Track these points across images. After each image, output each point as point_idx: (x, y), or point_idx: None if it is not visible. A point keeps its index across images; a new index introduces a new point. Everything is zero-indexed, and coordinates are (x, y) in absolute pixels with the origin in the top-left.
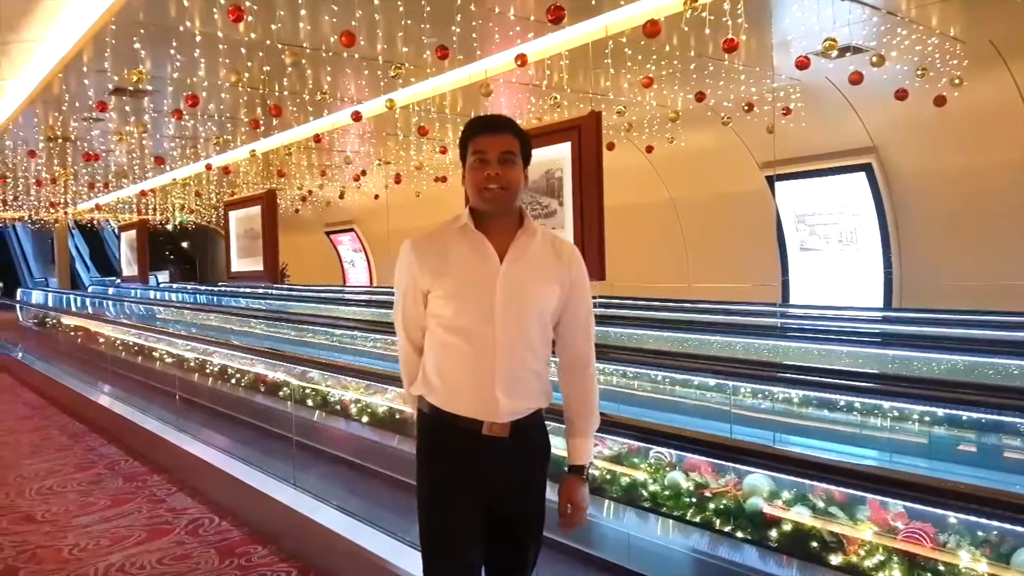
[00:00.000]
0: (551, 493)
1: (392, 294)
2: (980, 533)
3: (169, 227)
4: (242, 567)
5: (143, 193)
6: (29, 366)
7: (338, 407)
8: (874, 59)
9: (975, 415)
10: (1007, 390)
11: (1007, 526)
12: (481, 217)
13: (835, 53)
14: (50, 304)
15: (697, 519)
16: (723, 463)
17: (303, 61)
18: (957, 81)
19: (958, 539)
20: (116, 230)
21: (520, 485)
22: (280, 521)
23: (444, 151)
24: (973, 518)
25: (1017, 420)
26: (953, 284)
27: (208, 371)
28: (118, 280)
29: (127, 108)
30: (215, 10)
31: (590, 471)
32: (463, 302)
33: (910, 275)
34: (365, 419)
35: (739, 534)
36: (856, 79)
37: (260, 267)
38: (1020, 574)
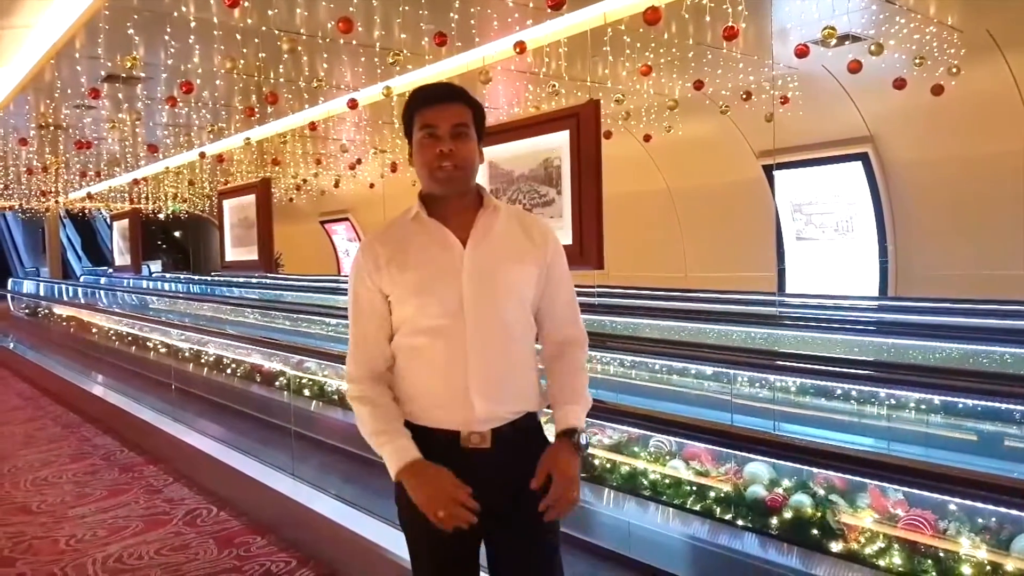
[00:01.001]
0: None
1: None
2: (980, 520)
3: (162, 216)
4: (241, 557)
5: (136, 182)
6: (21, 356)
7: (335, 396)
8: (872, 48)
9: (970, 402)
10: (1002, 377)
11: (1013, 512)
12: (435, 203)
13: (834, 41)
14: (42, 294)
15: (697, 507)
16: (724, 450)
17: (299, 48)
18: (954, 70)
19: (958, 526)
20: (108, 219)
21: (519, 504)
22: (278, 511)
23: None
24: (972, 503)
25: (1012, 407)
26: (948, 273)
27: (203, 361)
28: (110, 270)
29: (120, 95)
30: None
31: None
32: (426, 297)
33: (905, 264)
34: None
35: (740, 522)
36: (855, 67)
37: (254, 256)
38: (1020, 560)
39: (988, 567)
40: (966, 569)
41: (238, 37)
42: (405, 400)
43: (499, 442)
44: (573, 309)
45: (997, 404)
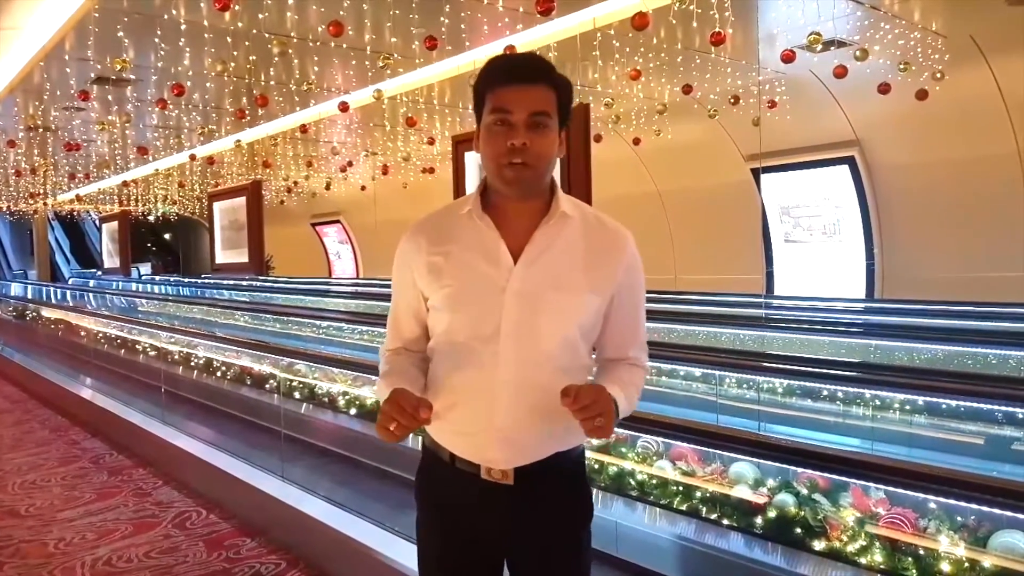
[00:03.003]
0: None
1: (380, 284)
2: (959, 518)
3: (151, 218)
4: (231, 559)
5: (125, 184)
6: (8, 359)
7: (325, 399)
8: (858, 53)
9: (954, 403)
10: (986, 378)
11: (985, 509)
12: (497, 196)
13: (820, 47)
14: (29, 296)
15: (684, 507)
16: (709, 450)
17: (290, 51)
18: (938, 75)
19: (938, 524)
20: (97, 221)
21: (539, 553)
22: (268, 513)
23: (432, 142)
24: (951, 501)
25: (995, 408)
26: (933, 275)
27: (193, 364)
28: (99, 272)
29: (109, 97)
30: None
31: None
32: (459, 314)
33: (891, 267)
34: (353, 411)
35: (725, 521)
36: (840, 73)
37: (245, 259)
38: (997, 557)
39: (967, 564)
40: (945, 566)
41: (229, 40)
42: (434, 415)
43: (522, 479)
44: (635, 331)
45: (980, 405)
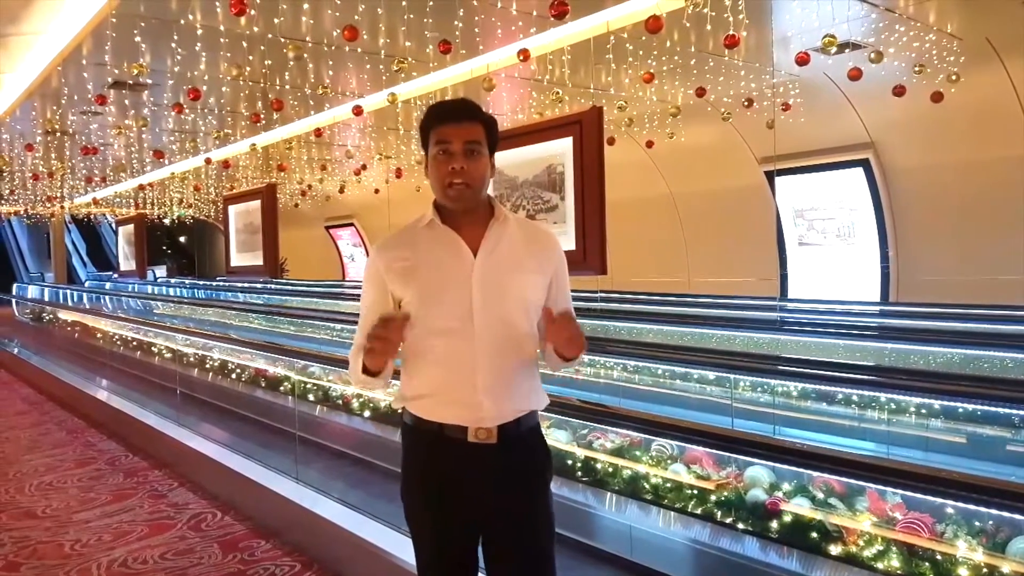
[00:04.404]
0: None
1: None
2: (977, 523)
3: (167, 222)
4: (245, 561)
5: (141, 187)
6: (26, 361)
7: (339, 401)
8: (872, 55)
9: (970, 406)
10: (1003, 382)
11: (1006, 515)
12: (448, 211)
13: (834, 49)
14: (46, 299)
15: (699, 511)
16: (724, 454)
17: (305, 55)
18: (954, 78)
19: (955, 529)
20: (113, 225)
21: (518, 500)
22: (283, 515)
23: None
24: (970, 506)
25: (1012, 411)
26: (949, 278)
27: (208, 366)
28: (115, 275)
29: (126, 102)
30: (217, 3)
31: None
32: (437, 303)
33: (907, 269)
34: (367, 413)
35: (740, 525)
36: (855, 75)
37: (260, 262)
38: (1016, 563)
39: (985, 569)
40: (963, 571)
41: (244, 44)
42: (416, 396)
43: (504, 437)
44: (568, 305)
45: (997, 408)
